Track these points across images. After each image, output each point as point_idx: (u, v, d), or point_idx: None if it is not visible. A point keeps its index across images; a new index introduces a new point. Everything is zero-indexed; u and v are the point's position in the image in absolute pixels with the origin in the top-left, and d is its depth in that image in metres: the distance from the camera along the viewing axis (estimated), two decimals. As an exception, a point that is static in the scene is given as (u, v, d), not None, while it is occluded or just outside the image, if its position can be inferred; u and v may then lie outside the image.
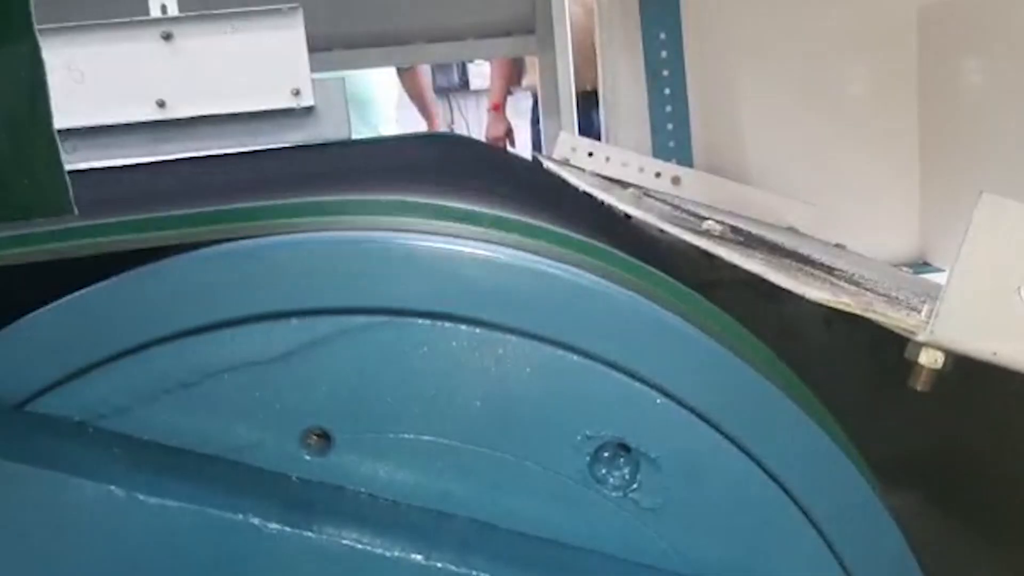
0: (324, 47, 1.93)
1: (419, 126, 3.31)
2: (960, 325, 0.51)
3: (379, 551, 0.48)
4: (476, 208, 0.57)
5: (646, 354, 0.50)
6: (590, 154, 1.58)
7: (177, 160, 1.07)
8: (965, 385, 0.56)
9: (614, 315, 0.50)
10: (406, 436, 0.50)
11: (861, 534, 0.53)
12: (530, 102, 3.25)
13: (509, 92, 3.24)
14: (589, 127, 2.31)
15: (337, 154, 1.07)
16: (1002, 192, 0.50)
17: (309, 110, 1.07)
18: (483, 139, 3.09)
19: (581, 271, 0.52)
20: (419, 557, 0.48)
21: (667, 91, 1.72)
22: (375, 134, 2.86)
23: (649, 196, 1.33)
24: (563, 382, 0.50)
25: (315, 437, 0.50)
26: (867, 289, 0.69)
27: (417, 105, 3.21)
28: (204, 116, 1.04)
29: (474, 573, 0.48)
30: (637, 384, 0.50)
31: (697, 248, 0.78)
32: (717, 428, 0.51)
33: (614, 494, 0.51)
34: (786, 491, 0.52)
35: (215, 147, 1.07)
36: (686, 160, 1.72)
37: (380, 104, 3.06)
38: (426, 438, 0.50)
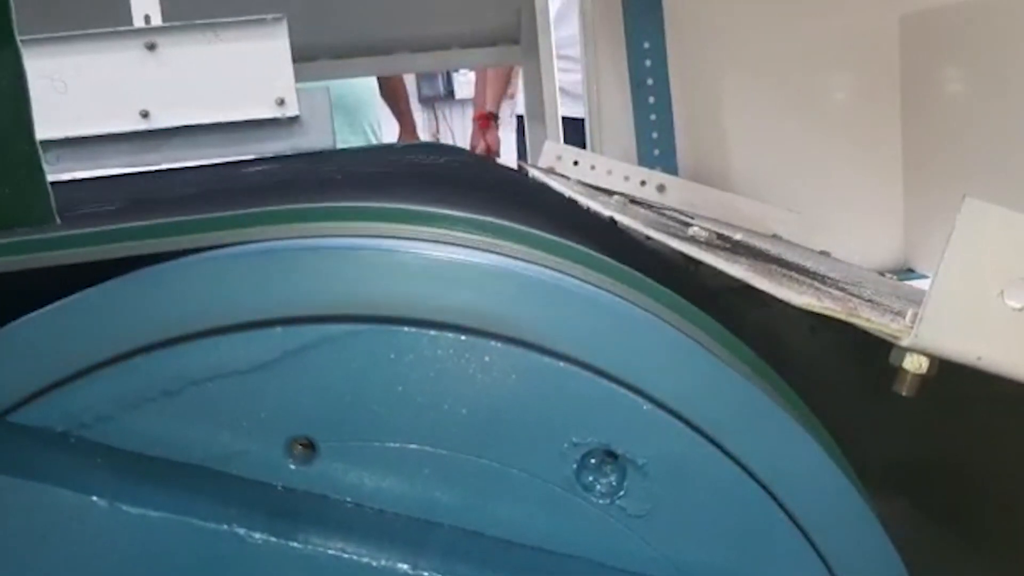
0: (309, 57, 1.93)
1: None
2: (944, 330, 0.51)
3: (365, 560, 0.47)
4: (461, 214, 0.57)
5: (633, 360, 0.50)
6: (575, 163, 1.59)
7: (161, 170, 1.07)
8: (951, 390, 0.56)
9: (600, 321, 0.50)
10: (392, 444, 0.50)
11: (849, 539, 0.53)
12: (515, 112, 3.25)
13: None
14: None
15: (321, 163, 1.06)
16: (985, 198, 0.50)
17: (294, 120, 1.07)
18: (468, 148, 3.09)
19: (567, 276, 0.52)
20: (405, 566, 0.48)
21: (651, 99, 1.73)
22: (369, 141, 2.81)
23: (635, 203, 1.33)
24: (549, 389, 0.50)
25: (300, 446, 0.50)
26: (852, 295, 0.69)
27: (392, 110, 3.13)
28: (188, 126, 1.04)
29: (461, 582, 0.48)
30: (623, 390, 0.50)
31: (683, 254, 0.78)
32: (704, 434, 0.51)
33: (601, 501, 0.51)
34: (774, 497, 0.52)
35: (199, 157, 1.07)
36: (671, 168, 1.72)
37: (373, 108, 2.98)
38: (412, 446, 0.50)
